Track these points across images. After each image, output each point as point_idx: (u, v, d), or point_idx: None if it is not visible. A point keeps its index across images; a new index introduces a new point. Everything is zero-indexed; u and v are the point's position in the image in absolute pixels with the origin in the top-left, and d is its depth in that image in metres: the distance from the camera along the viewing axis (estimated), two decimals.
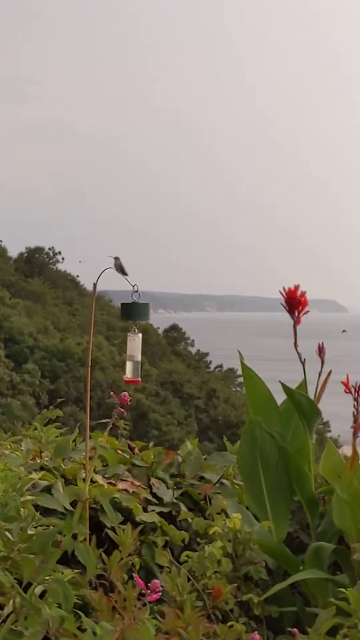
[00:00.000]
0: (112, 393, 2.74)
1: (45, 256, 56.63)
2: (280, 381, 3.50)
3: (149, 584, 2.06)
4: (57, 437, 3.44)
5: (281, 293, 3.53)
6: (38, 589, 2.24)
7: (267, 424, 3.45)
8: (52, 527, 2.45)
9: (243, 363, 3.59)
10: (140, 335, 3.03)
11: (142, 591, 2.08)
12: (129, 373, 3.02)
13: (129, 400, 2.76)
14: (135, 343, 3.01)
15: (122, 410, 2.73)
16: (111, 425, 2.79)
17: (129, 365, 3.02)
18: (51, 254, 56.83)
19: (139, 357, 3.02)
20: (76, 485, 3.09)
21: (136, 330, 3.00)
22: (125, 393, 2.73)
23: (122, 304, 2.96)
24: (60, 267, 56.97)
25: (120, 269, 3.00)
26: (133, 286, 2.94)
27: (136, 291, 2.93)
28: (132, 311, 2.96)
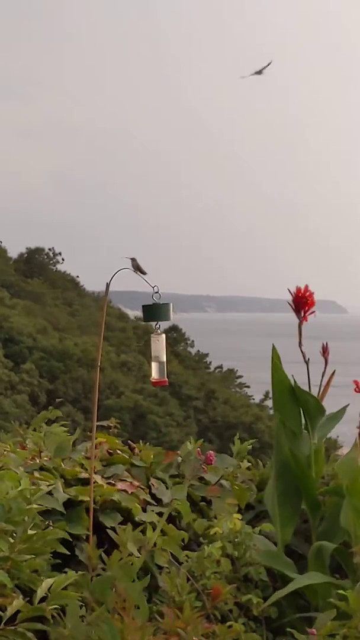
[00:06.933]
0: (198, 450, 2.83)
1: (45, 257, 56.54)
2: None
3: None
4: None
5: (289, 292, 3.52)
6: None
7: (285, 419, 3.47)
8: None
9: (274, 358, 3.50)
10: (164, 335, 3.01)
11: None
12: (155, 374, 3.00)
13: (213, 460, 2.84)
14: (159, 344, 3.00)
15: (205, 468, 2.97)
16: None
17: (154, 366, 3.01)
18: (51, 255, 56.73)
19: (164, 358, 3.00)
20: (75, 485, 3.09)
21: (159, 330, 2.99)
22: (211, 452, 2.83)
23: (144, 306, 2.94)
24: (60, 267, 56.88)
25: (139, 269, 3.00)
26: (153, 287, 2.92)
27: (157, 292, 2.92)
28: (155, 312, 2.95)
